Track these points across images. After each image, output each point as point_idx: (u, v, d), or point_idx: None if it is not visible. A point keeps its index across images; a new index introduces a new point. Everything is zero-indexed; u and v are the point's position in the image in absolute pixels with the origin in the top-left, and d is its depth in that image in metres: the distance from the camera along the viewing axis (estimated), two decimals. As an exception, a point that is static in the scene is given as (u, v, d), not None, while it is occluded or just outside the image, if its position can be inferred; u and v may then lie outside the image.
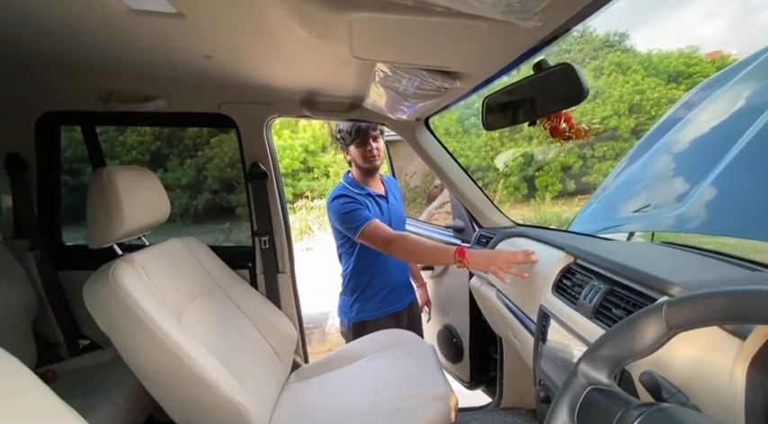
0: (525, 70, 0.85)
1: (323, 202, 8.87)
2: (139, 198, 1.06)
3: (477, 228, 1.57)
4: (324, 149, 10.93)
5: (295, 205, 9.20)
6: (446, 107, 1.26)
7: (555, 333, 0.87)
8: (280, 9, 0.64)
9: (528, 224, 1.53)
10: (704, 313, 0.37)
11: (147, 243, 1.20)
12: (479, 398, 1.70)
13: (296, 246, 1.69)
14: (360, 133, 1.48)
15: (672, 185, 1.96)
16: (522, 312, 1.09)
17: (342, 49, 0.72)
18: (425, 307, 1.91)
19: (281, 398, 1.27)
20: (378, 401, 1.14)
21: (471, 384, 1.74)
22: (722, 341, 0.49)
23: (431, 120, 1.44)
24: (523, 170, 10.29)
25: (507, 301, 1.18)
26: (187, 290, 1.15)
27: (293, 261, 1.56)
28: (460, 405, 1.19)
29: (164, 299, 1.01)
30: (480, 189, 1.50)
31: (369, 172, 1.56)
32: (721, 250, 0.83)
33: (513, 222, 1.52)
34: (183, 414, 0.97)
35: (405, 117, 1.24)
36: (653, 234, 1.81)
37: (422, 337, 1.70)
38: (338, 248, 1.61)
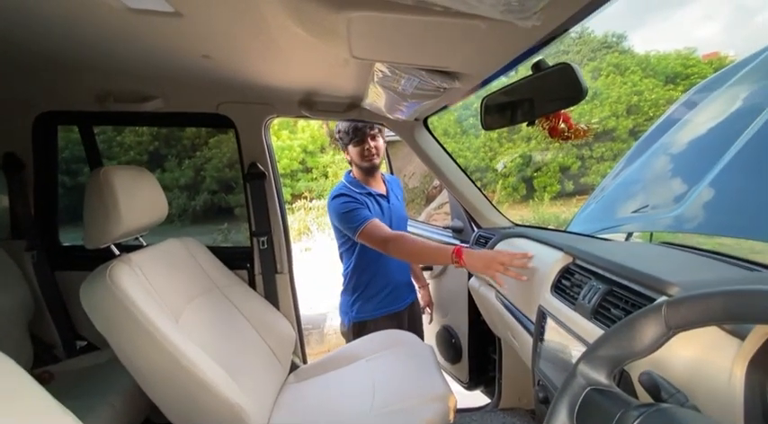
0: (524, 70, 0.85)
1: (321, 203, 8.87)
2: (137, 198, 1.06)
3: (475, 229, 1.57)
4: (322, 150, 10.93)
5: (293, 205, 9.19)
6: (445, 107, 1.26)
7: (554, 334, 0.87)
8: (278, 8, 0.64)
9: (526, 224, 1.53)
10: (703, 313, 0.37)
11: (145, 244, 1.19)
12: (478, 399, 1.69)
13: (294, 247, 1.69)
14: (358, 132, 1.48)
15: (670, 186, 1.96)
16: (520, 312, 1.09)
17: (340, 49, 0.72)
18: (427, 308, 1.90)
19: (280, 399, 1.27)
20: (376, 401, 1.14)
21: (470, 385, 1.73)
22: (721, 341, 0.49)
23: (429, 121, 1.44)
24: (522, 170, 10.31)
25: (506, 301, 1.18)
26: (185, 291, 1.14)
27: (291, 262, 1.55)
28: (459, 406, 1.18)
29: (161, 300, 1.00)
30: (479, 189, 1.50)
31: (369, 171, 1.55)
32: (719, 250, 0.83)
33: (512, 222, 1.52)
34: (181, 416, 0.97)
35: (403, 117, 1.24)
36: (651, 235, 1.81)
37: (422, 338, 1.69)
38: (339, 247, 1.60)
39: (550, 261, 0.98)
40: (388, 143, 2.06)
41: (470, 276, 1.50)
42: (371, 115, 1.38)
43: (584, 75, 0.75)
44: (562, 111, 0.90)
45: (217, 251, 1.38)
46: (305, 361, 1.61)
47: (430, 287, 1.94)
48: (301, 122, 10.30)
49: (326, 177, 10.25)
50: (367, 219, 1.38)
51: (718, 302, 0.36)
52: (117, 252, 1.05)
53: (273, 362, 1.32)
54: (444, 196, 2.30)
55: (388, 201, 1.60)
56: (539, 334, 0.93)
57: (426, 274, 1.94)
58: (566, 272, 0.92)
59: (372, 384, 1.22)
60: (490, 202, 1.52)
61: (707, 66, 10.49)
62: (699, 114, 2.16)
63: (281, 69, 1.06)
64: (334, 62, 0.95)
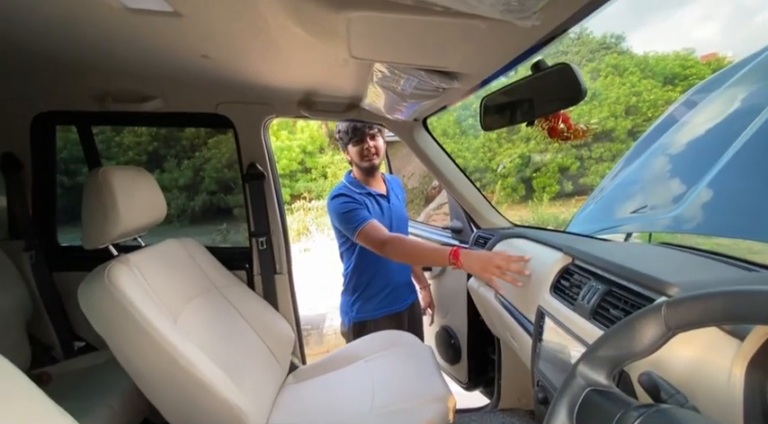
0: (523, 70, 0.85)
1: (320, 203, 8.87)
2: (135, 198, 1.06)
3: (475, 229, 1.57)
4: (321, 150, 10.93)
5: (292, 206, 9.20)
6: (444, 107, 1.26)
7: (553, 334, 0.87)
8: (277, 8, 0.64)
9: (526, 225, 1.53)
10: (703, 314, 0.37)
11: (143, 244, 1.19)
12: (477, 399, 1.69)
13: (293, 247, 1.69)
14: (357, 132, 1.49)
15: (668, 186, 1.96)
16: (520, 313, 1.09)
17: (339, 49, 0.72)
18: (428, 309, 1.89)
19: (279, 400, 1.27)
20: (375, 402, 1.13)
21: (469, 386, 1.73)
22: (720, 342, 0.49)
23: (429, 121, 1.44)
24: (521, 171, 10.33)
25: (505, 302, 1.17)
26: (183, 291, 1.14)
27: (290, 262, 1.55)
28: (458, 406, 1.18)
29: (160, 300, 1.00)
30: (478, 190, 1.50)
31: (368, 171, 1.55)
32: (717, 250, 0.83)
33: (511, 223, 1.52)
34: (179, 417, 0.96)
35: (403, 117, 1.24)
36: (650, 235, 1.82)
37: (422, 338, 1.69)
38: (339, 247, 1.60)
39: (550, 262, 0.98)
40: (388, 143, 2.06)
41: (470, 276, 1.50)
42: (371, 115, 1.38)
43: (583, 76, 0.75)
44: (561, 112, 0.90)
45: (216, 252, 1.38)
46: (304, 362, 1.61)
47: (430, 287, 1.94)
48: (300, 123, 10.30)
49: (325, 177, 10.26)
50: (365, 220, 1.38)
51: (717, 302, 0.36)
52: (115, 253, 1.04)
53: (272, 363, 1.31)
54: (443, 196, 2.29)
55: (389, 201, 1.60)
56: (538, 335, 0.93)
57: (426, 274, 1.94)
58: (565, 273, 0.92)
59: (372, 384, 1.22)
60: (489, 203, 1.52)
61: (705, 67, 10.54)
62: (697, 115, 2.16)
63: (281, 69, 1.06)
64: (333, 62, 0.95)
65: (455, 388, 1.50)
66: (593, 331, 0.73)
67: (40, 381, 1.27)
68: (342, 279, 1.65)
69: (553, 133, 0.92)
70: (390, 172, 2.42)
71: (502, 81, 0.92)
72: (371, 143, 1.51)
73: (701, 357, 0.50)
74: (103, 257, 1.00)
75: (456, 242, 1.68)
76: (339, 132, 1.55)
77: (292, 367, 1.48)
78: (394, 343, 1.40)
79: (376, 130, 1.52)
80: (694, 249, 0.88)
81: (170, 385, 0.92)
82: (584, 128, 0.92)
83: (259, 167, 1.45)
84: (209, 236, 7.45)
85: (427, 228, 2.05)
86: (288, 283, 1.53)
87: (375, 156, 1.52)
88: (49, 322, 1.45)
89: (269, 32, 0.75)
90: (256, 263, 1.49)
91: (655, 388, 0.41)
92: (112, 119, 1.54)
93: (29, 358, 1.35)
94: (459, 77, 0.84)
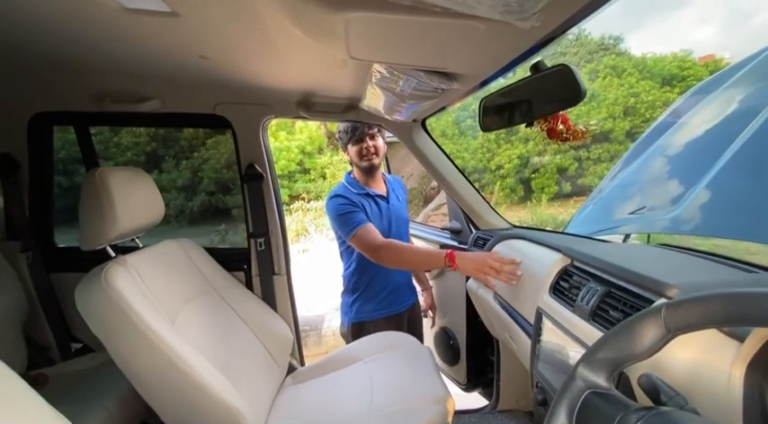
0: (522, 72, 0.85)
1: (319, 204, 8.86)
2: (133, 199, 1.05)
3: (473, 230, 1.57)
4: (320, 151, 10.93)
5: (291, 206, 9.18)
6: (443, 108, 1.26)
7: (552, 335, 0.87)
8: (275, 8, 0.63)
9: (524, 226, 1.53)
10: (703, 316, 0.37)
11: (141, 245, 1.19)
12: (476, 400, 1.69)
13: (292, 248, 1.68)
14: (356, 131, 1.49)
15: (667, 187, 1.97)
16: (519, 314, 1.09)
17: (338, 50, 0.72)
18: (429, 312, 1.87)
19: (277, 401, 1.26)
20: (374, 404, 1.13)
21: (468, 387, 1.73)
22: (720, 344, 0.49)
23: (428, 122, 1.44)
24: (520, 172, 10.35)
25: (504, 303, 1.17)
26: (181, 292, 1.13)
27: (289, 263, 1.54)
28: (457, 407, 1.18)
29: (157, 302, 0.99)
30: (477, 190, 1.50)
31: (368, 171, 1.55)
32: (715, 251, 0.83)
33: (510, 224, 1.52)
34: (177, 419, 0.96)
35: (402, 118, 1.24)
36: (649, 236, 1.82)
37: (422, 341, 1.69)
38: (339, 247, 1.60)
39: (549, 263, 0.98)
40: (387, 144, 2.06)
41: (468, 277, 1.50)
42: (370, 116, 1.38)
43: (582, 77, 0.75)
44: (561, 113, 0.90)
45: (214, 253, 1.37)
46: (302, 363, 1.60)
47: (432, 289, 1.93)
48: (299, 123, 10.30)
49: (324, 178, 10.25)
50: (360, 224, 1.38)
51: (717, 305, 0.36)
52: (113, 254, 1.04)
53: (271, 364, 1.31)
54: (442, 197, 2.29)
55: (388, 202, 1.59)
56: (537, 336, 0.93)
57: (426, 275, 1.94)
58: (564, 274, 0.92)
59: (370, 386, 1.22)
60: (488, 203, 1.52)
61: (702, 69, 10.59)
62: (695, 116, 2.17)
63: (279, 70, 1.05)
64: (332, 63, 0.94)
65: (454, 389, 1.50)
66: (592, 333, 0.72)
67: (37, 382, 1.26)
68: (341, 280, 1.65)
69: (552, 134, 0.92)
70: (389, 173, 2.41)
71: (501, 82, 0.92)
72: (371, 143, 1.51)
73: (700, 360, 0.50)
74: (101, 258, 0.99)
75: (455, 243, 1.68)
76: (339, 132, 1.55)
77: (291, 369, 1.47)
78: (393, 344, 1.40)
79: (376, 130, 1.51)
80: (693, 250, 0.88)
81: (167, 387, 0.92)
82: (584, 130, 0.92)
83: (257, 168, 1.44)
84: (207, 237, 7.44)
85: (426, 229, 2.04)
86: (286, 284, 1.53)
87: (374, 156, 1.52)
88: (45, 323, 1.44)
89: (267, 33, 0.75)
90: (255, 264, 1.49)
91: (654, 390, 0.41)
92: (110, 120, 1.54)
93: (25, 360, 1.34)
94: (459, 78, 0.84)
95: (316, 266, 5.36)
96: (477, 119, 1.05)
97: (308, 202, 9.43)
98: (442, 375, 1.24)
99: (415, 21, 0.55)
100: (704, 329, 0.37)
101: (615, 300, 0.72)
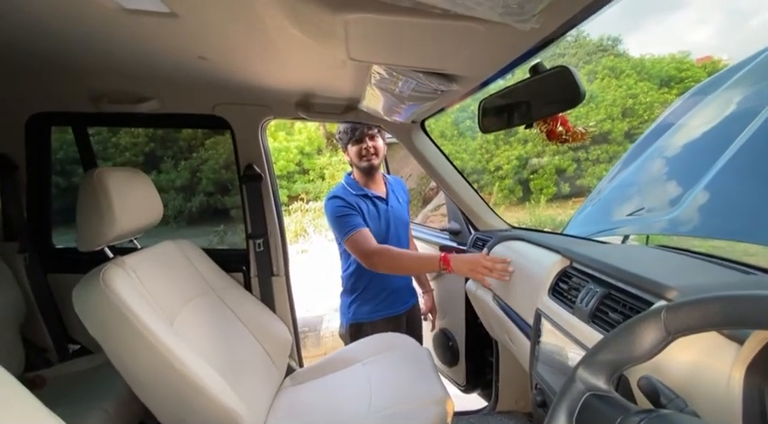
0: (521, 73, 0.85)
1: (318, 204, 8.86)
2: (131, 199, 1.05)
3: (473, 231, 1.57)
4: (319, 151, 10.93)
5: (290, 207, 9.18)
6: (442, 110, 1.26)
7: (551, 337, 0.87)
8: (274, 9, 0.63)
9: (523, 227, 1.53)
10: (703, 319, 0.37)
11: (139, 246, 1.18)
12: (475, 402, 1.69)
13: (291, 249, 1.68)
14: (356, 132, 1.48)
15: (665, 189, 1.97)
16: (518, 315, 1.09)
17: (337, 51, 0.72)
18: (429, 314, 1.85)
19: (276, 403, 1.26)
20: (373, 405, 1.13)
21: (467, 388, 1.73)
22: (719, 346, 0.49)
23: (427, 123, 1.44)
24: (518, 173, 10.36)
25: (503, 304, 1.17)
26: (180, 294, 1.13)
27: (288, 264, 1.54)
28: (456, 409, 1.18)
29: (155, 303, 0.99)
30: (476, 191, 1.50)
31: (367, 171, 1.54)
32: (713, 253, 0.83)
33: (509, 225, 1.52)
34: (175, 421, 0.95)
35: (401, 119, 1.24)
36: (647, 237, 1.82)
37: (421, 342, 1.68)
38: (339, 247, 1.59)
39: (548, 264, 0.98)
40: (386, 145, 2.06)
41: (467, 279, 1.50)
42: (369, 117, 1.38)
43: (581, 78, 0.75)
44: (560, 115, 0.90)
45: (212, 254, 1.37)
46: (301, 364, 1.60)
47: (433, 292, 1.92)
48: (298, 124, 10.29)
49: (323, 179, 10.25)
50: (356, 228, 1.38)
51: (717, 307, 0.36)
52: (111, 255, 1.03)
53: (269, 365, 1.31)
54: (441, 198, 2.29)
55: (387, 204, 1.58)
56: (536, 337, 0.92)
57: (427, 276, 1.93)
58: (563, 275, 0.92)
59: (369, 387, 1.21)
60: (487, 204, 1.52)
61: (700, 70, 10.63)
62: (694, 118, 2.17)
63: (278, 71, 1.05)
64: (331, 64, 0.94)
65: (453, 390, 1.50)
66: (591, 335, 0.72)
67: (34, 384, 1.25)
68: (340, 281, 1.64)
69: (552, 136, 0.92)
70: (389, 174, 2.41)
71: (500, 83, 0.92)
72: (370, 143, 1.50)
73: (700, 362, 0.50)
74: (99, 259, 0.99)
75: (454, 244, 1.68)
76: (339, 132, 1.55)
77: (289, 370, 1.47)
78: (391, 346, 1.39)
79: (375, 131, 1.51)
80: (691, 251, 0.88)
81: (166, 389, 0.92)
82: (583, 131, 0.92)
83: (256, 168, 1.44)
84: (206, 238, 7.43)
85: (425, 229, 2.04)
86: (285, 285, 1.53)
87: (374, 156, 1.51)
88: (43, 324, 1.44)
89: (266, 33, 0.75)
90: (253, 265, 1.49)
91: (654, 393, 0.41)
92: (108, 120, 1.54)
93: (23, 361, 1.34)
94: (458, 80, 0.84)
95: (314, 267, 5.35)
96: (477, 120, 1.05)
97: (307, 203, 9.42)
98: (441, 377, 1.24)
99: (415, 22, 0.55)
100: (704, 331, 0.37)
101: (615, 302, 0.72)
